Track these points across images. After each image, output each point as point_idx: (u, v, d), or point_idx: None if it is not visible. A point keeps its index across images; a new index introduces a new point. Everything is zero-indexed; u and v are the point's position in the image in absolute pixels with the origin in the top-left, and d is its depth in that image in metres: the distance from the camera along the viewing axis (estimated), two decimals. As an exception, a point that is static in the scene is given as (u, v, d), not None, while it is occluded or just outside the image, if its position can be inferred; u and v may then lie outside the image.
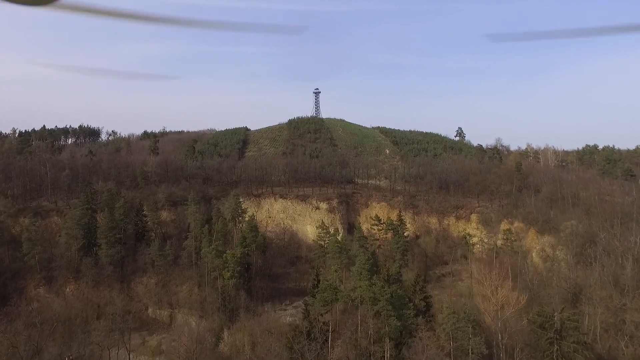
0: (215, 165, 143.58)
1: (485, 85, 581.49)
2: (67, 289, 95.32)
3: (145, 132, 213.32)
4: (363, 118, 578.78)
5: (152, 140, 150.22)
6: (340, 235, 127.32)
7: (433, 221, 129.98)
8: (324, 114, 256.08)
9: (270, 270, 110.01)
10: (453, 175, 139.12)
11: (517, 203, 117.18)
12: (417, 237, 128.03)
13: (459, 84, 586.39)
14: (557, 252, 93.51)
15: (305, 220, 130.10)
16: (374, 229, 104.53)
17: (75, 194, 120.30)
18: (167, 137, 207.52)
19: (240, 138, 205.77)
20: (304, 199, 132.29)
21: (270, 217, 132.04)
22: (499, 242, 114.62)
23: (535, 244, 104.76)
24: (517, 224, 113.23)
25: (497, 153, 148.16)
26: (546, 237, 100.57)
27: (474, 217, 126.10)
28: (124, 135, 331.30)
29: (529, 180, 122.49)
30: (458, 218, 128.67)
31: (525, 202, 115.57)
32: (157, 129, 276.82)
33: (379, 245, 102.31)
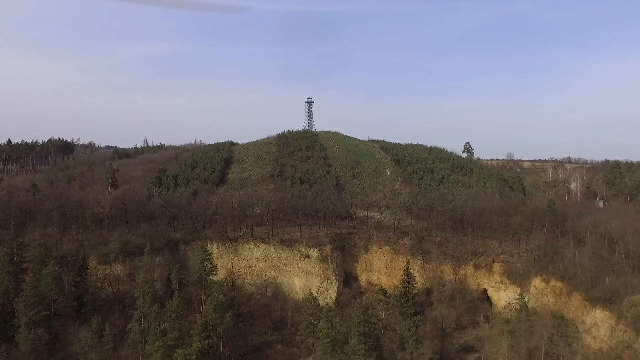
0: (184, 201, 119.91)
1: (489, 88, 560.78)
2: (-29, 390, 71.99)
3: (115, 151, 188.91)
4: (360, 130, 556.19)
5: (110, 171, 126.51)
6: (335, 290, 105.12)
7: (447, 270, 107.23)
8: (317, 126, 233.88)
9: (245, 342, 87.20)
10: (469, 211, 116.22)
11: (553, 254, 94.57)
12: (429, 291, 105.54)
13: (458, 85, 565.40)
14: (619, 336, 71.07)
15: (292, 271, 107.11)
16: (379, 304, 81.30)
17: (6, 243, 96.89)
18: (139, 157, 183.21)
19: (223, 157, 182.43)
20: (290, 244, 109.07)
21: (249, 267, 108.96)
22: (531, 303, 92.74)
23: (582, 314, 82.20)
24: (554, 283, 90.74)
25: (519, 182, 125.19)
26: (599, 311, 77.92)
27: (496, 267, 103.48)
28: (101, 145, 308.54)
29: (566, 226, 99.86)
30: (477, 267, 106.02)
31: (564, 254, 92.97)
32: (136, 142, 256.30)
33: (384, 325, 79.33)
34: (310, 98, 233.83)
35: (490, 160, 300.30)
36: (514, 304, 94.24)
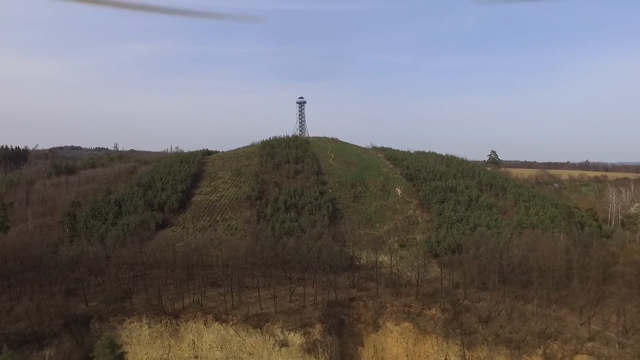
0: (110, 249, 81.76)
1: (497, 88, 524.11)
2: None
3: (55, 166, 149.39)
4: (361, 137, 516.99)
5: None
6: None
7: (501, 362, 69.26)
8: (311, 132, 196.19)
9: None
10: (524, 262, 78.56)
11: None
12: (474, 397, 67.78)
13: (461, 86, 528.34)
14: None
15: (262, 368, 68.94)
16: None
17: None
18: (83, 173, 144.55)
19: (191, 171, 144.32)
20: (259, 323, 70.76)
21: (197, 358, 70.78)
22: None
23: None
24: None
25: (591, 217, 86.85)
26: None
27: (582, 361, 65.48)
28: (92, 147, 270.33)
29: None
30: None
31: None
32: (134, 143, 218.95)
33: None
34: (302, 97, 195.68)
35: (510, 163, 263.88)
36: None
